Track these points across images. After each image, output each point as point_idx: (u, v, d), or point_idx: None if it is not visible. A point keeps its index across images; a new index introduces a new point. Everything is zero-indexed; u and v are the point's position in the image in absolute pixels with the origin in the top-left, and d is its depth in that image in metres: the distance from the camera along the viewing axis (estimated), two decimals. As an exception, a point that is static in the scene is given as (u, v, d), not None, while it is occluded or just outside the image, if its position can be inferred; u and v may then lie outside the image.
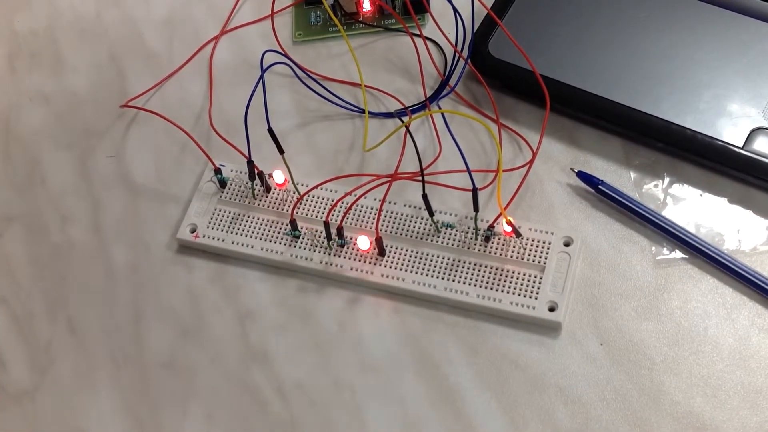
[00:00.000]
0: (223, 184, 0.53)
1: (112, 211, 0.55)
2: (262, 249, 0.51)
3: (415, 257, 0.50)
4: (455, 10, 0.54)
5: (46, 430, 0.49)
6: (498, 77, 0.55)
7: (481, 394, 0.47)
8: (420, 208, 0.51)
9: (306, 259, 0.51)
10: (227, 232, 0.52)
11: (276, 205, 0.52)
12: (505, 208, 0.48)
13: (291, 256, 0.51)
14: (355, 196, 0.50)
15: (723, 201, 0.51)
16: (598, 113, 0.53)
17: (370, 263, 0.50)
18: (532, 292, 0.48)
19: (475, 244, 0.50)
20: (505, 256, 0.49)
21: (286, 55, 0.56)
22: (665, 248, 0.50)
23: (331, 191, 0.52)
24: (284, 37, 0.59)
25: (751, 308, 0.48)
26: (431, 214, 0.50)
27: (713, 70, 0.52)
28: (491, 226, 0.50)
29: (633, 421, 0.46)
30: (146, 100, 0.58)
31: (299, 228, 0.51)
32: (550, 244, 0.49)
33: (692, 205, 0.51)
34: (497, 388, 0.47)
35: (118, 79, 0.60)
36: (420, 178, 0.48)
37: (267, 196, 0.53)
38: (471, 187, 0.48)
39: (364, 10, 0.59)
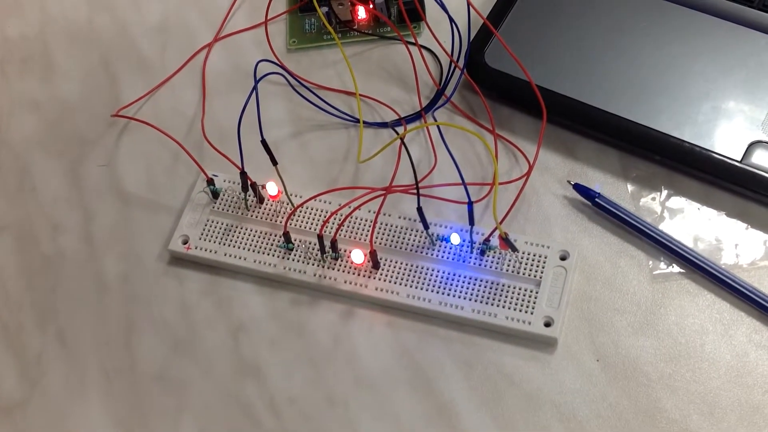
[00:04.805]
0: (215, 194, 0.53)
1: (103, 221, 0.54)
2: (255, 261, 0.51)
3: (410, 270, 0.49)
4: (451, 19, 0.53)
5: (35, 444, 0.49)
6: (494, 87, 0.54)
7: (476, 410, 0.47)
8: (415, 221, 0.50)
9: (299, 271, 0.50)
10: (220, 243, 0.51)
11: (269, 217, 0.52)
12: (500, 222, 0.47)
13: (284, 268, 0.50)
14: (350, 208, 0.50)
15: (721, 215, 0.50)
16: (596, 125, 0.52)
17: (364, 276, 0.50)
18: (527, 307, 0.48)
19: (470, 258, 0.49)
20: (501, 270, 0.49)
21: (280, 65, 0.55)
22: (662, 262, 0.49)
23: (325, 203, 0.52)
24: (278, 45, 0.58)
25: (748, 324, 0.47)
26: (426, 227, 0.49)
27: (712, 81, 0.52)
28: (487, 240, 0.49)
29: (629, 438, 0.45)
30: (138, 108, 0.58)
31: (293, 240, 0.51)
32: (546, 258, 0.49)
33: (690, 219, 0.50)
34: (492, 403, 0.47)
35: (110, 86, 0.59)
36: (415, 190, 0.47)
37: (260, 208, 0.52)
38: (466, 200, 0.47)
39: (358, 17, 0.58)
